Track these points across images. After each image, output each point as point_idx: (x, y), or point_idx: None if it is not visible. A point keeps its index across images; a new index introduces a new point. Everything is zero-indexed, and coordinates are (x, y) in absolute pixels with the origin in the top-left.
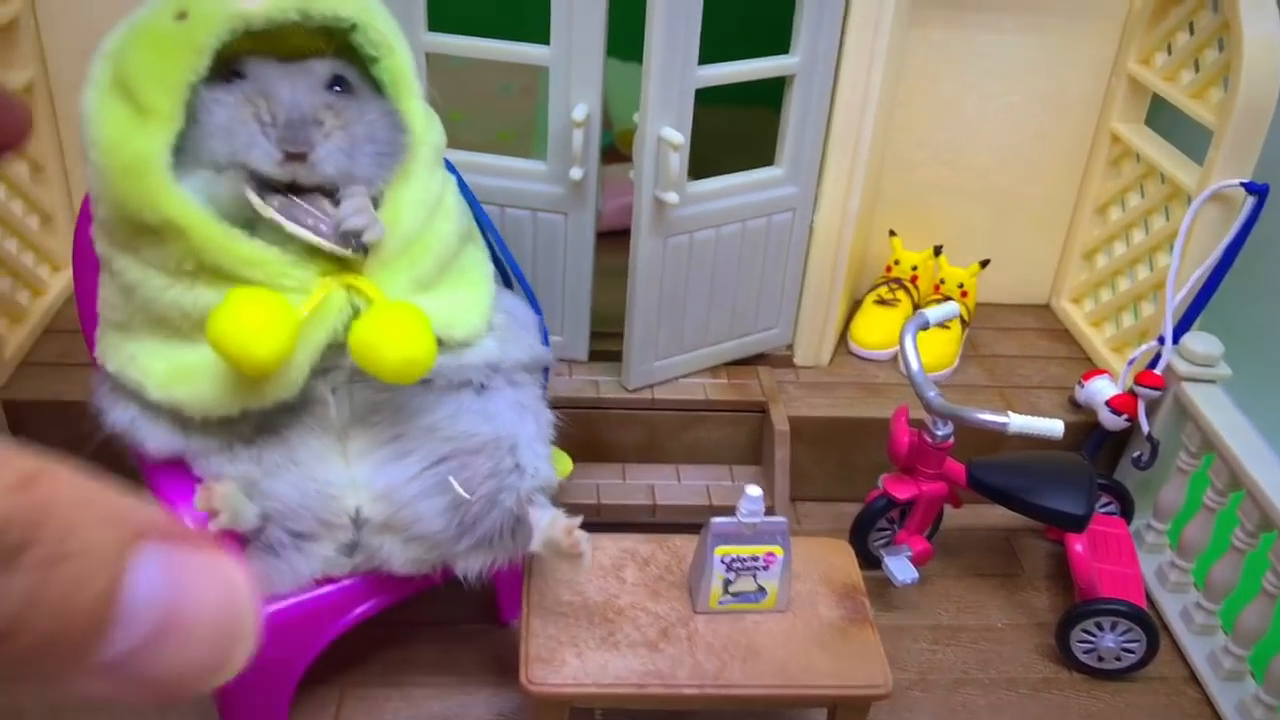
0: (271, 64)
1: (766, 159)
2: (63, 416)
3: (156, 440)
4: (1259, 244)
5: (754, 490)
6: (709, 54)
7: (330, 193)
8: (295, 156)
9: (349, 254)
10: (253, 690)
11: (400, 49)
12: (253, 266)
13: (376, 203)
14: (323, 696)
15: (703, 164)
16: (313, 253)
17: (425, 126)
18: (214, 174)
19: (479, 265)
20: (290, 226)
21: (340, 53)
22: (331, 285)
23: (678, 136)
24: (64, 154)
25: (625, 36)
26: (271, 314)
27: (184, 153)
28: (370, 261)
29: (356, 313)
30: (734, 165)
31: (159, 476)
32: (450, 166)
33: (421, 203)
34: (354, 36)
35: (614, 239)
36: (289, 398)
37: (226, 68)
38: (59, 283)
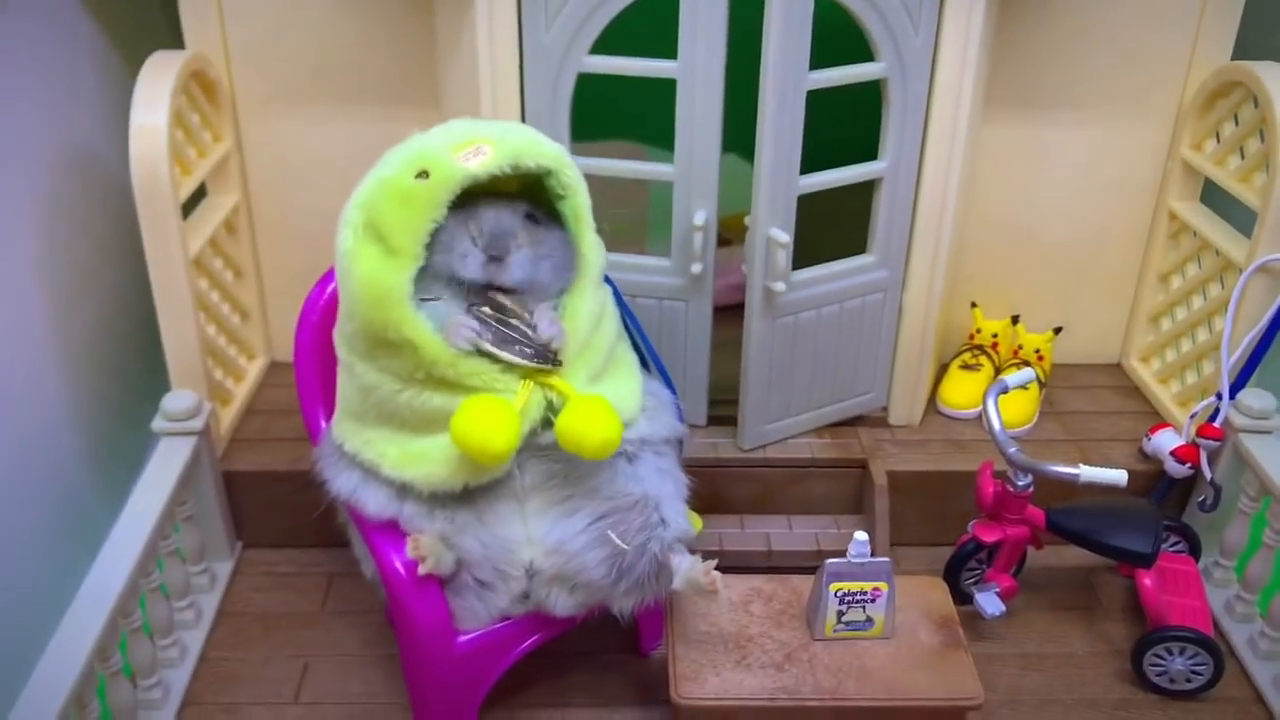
0: (483, 198)
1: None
2: (267, 485)
3: (376, 505)
4: None
5: (861, 535)
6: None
7: (519, 294)
8: (494, 260)
9: (549, 368)
10: (446, 710)
11: (582, 191)
12: (472, 377)
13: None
14: (499, 717)
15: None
16: None
17: (595, 253)
18: (444, 305)
19: (630, 358)
20: (503, 355)
21: (531, 189)
22: (531, 386)
23: (784, 236)
24: (259, 260)
25: (727, 130)
26: (502, 416)
27: (423, 277)
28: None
29: (549, 405)
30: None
31: (374, 532)
32: (608, 279)
33: (591, 313)
34: (547, 180)
35: (722, 314)
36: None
37: (456, 206)
38: (254, 369)
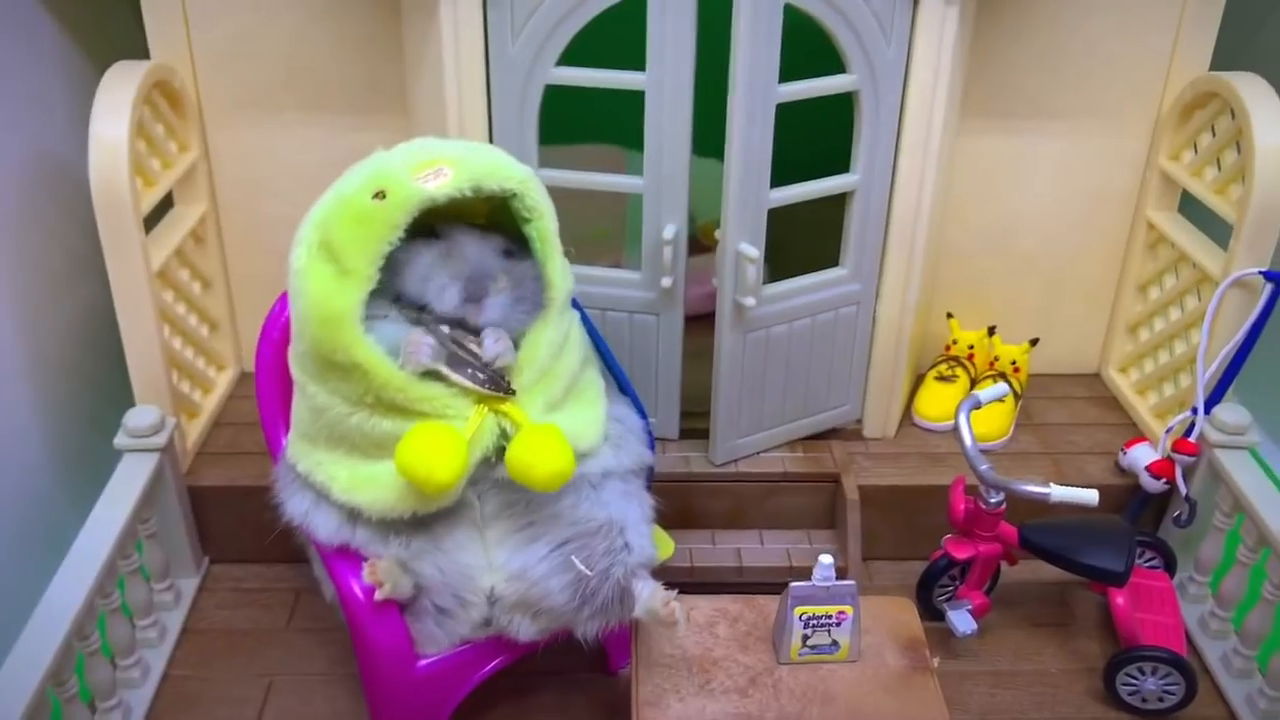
0: (461, 227)
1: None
2: (235, 499)
3: (327, 531)
4: None
5: (826, 558)
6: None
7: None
8: (472, 301)
9: (501, 395)
10: None
11: (549, 214)
12: (422, 402)
13: (516, 342)
14: None
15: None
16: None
17: (563, 278)
18: (395, 324)
19: (595, 384)
20: (455, 378)
21: (498, 211)
22: (484, 413)
23: (754, 251)
24: (228, 271)
25: (704, 134)
26: (448, 445)
27: (377, 295)
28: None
29: (503, 433)
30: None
31: (331, 555)
32: (575, 303)
33: (554, 342)
34: (513, 203)
35: (697, 323)
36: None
37: (419, 224)
38: (224, 380)
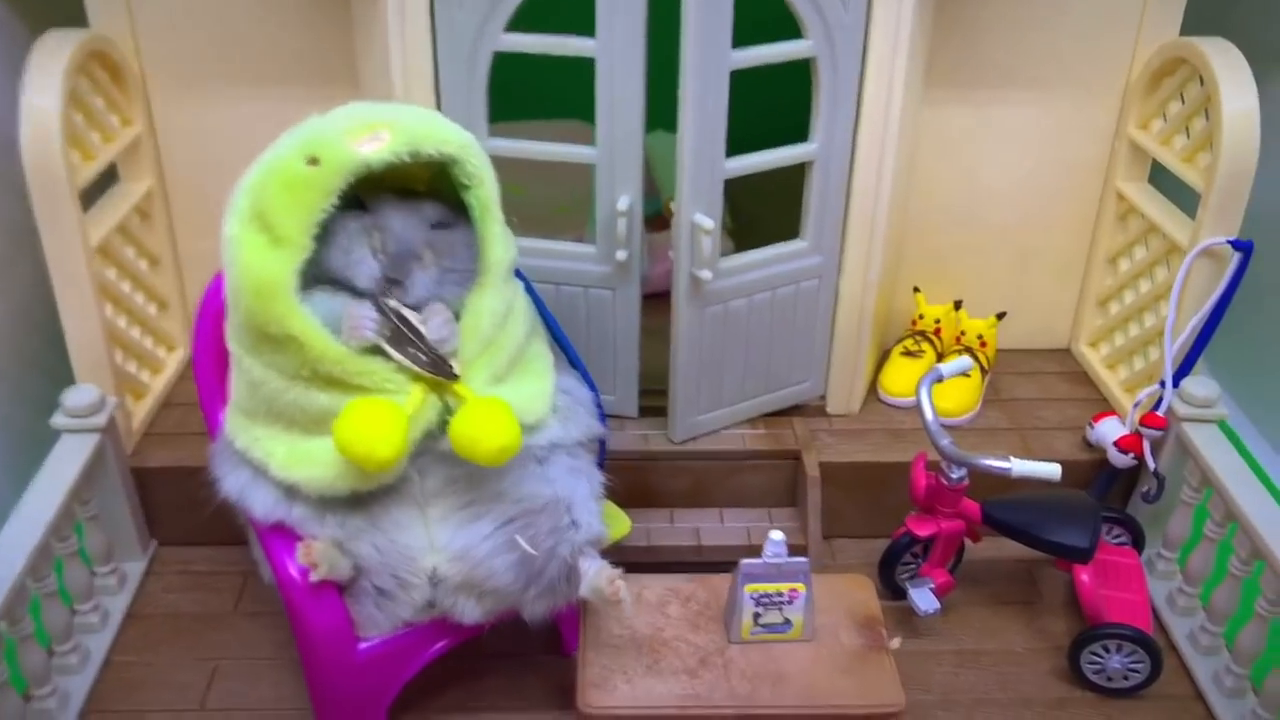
0: (389, 200)
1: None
2: (183, 481)
3: (264, 508)
4: None
5: (776, 534)
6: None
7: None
8: (393, 281)
9: (444, 379)
10: (349, 717)
11: (489, 181)
12: (361, 376)
13: (457, 313)
14: None
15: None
16: None
17: (503, 248)
18: (332, 295)
19: (542, 356)
20: (397, 356)
21: (439, 178)
22: (425, 387)
23: (709, 222)
24: (177, 248)
25: (671, 109)
26: (388, 421)
27: (310, 266)
28: (456, 363)
29: (446, 407)
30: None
31: (268, 535)
32: (519, 274)
33: (496, 311)
34: (452, 169)
35: (662, 300)
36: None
37: (351, 194)
38: (173, 361)
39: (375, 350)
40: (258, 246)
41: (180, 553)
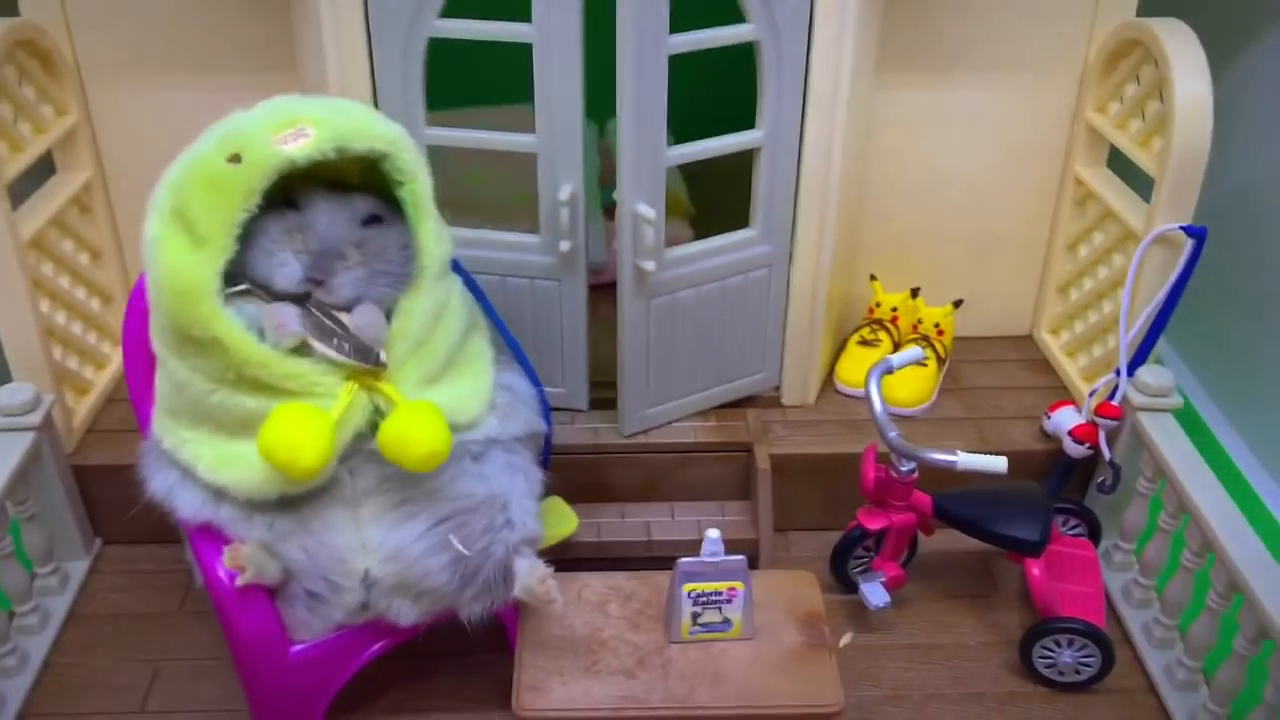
0: (320, 195)
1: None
2: (127, 479)
3: (191, 508)
4: (1250, 264)
5: (713, 533)
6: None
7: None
8: (315, 281)
9: (369, 368)
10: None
11: (422, 177)
12: (288, 379)
13: (389, 314)
14: None
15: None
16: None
17: (436, 243)
18: (255, 296)
19: (481, 354)
20: (319, 348)
21: (371, 172)
22: (354, 389)
23: (650, 212)
24: (120, 241)
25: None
26: (312, 428)
27: (235, 267)
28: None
29: (376, 409)
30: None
31: (196, 536)
32: (457, 266)
33: (428, 311)
34: (383, 164)
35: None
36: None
37: (280, 191)
38: (119, 356)
39: (302, 351)
40: (179, 248)
41: (125, 551)
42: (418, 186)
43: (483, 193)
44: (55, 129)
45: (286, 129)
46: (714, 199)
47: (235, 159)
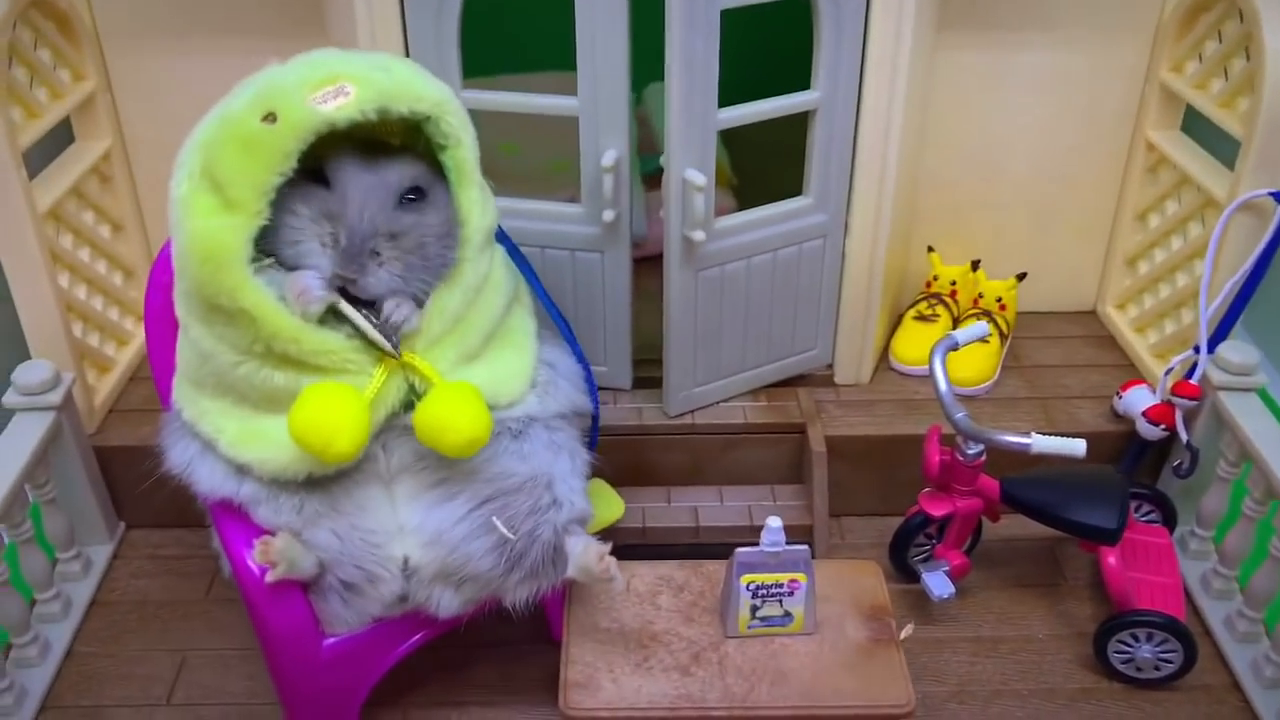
0: (352, 167)
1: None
2: (149, 461)
3: (210, 483)
4: None
5: (774, 521)
6: (736, 94)
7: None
8: (346, 276)
9: (388, 348)
10: (319, 716)
11: (467, 141)
12: (319, 355)
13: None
14: (386, 718)
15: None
16: None
17: (480, 214)
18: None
19: (523, 327)
20: (347, 311)
21: (413, 135)
22: (391, 367)
23: (700, 178)
24: (142, 212)
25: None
26: (347, 410)
27: (265, 237)
28: (420, 340)
29: (412, 387)
30: None
31: (224, 522)
32: (501, 234)
33: (470, 286)
34: (427, 126)
35: (660, 263)
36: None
37: (312, 161)
38: (141, 332)
39: (329, 325)
40: (208, 210)
41: (150, 535)
42: (463, 152)
43: (517, 164)
44: (73, 95)
45: (325, 86)
46: (755, 168)
47: (270, 118)
